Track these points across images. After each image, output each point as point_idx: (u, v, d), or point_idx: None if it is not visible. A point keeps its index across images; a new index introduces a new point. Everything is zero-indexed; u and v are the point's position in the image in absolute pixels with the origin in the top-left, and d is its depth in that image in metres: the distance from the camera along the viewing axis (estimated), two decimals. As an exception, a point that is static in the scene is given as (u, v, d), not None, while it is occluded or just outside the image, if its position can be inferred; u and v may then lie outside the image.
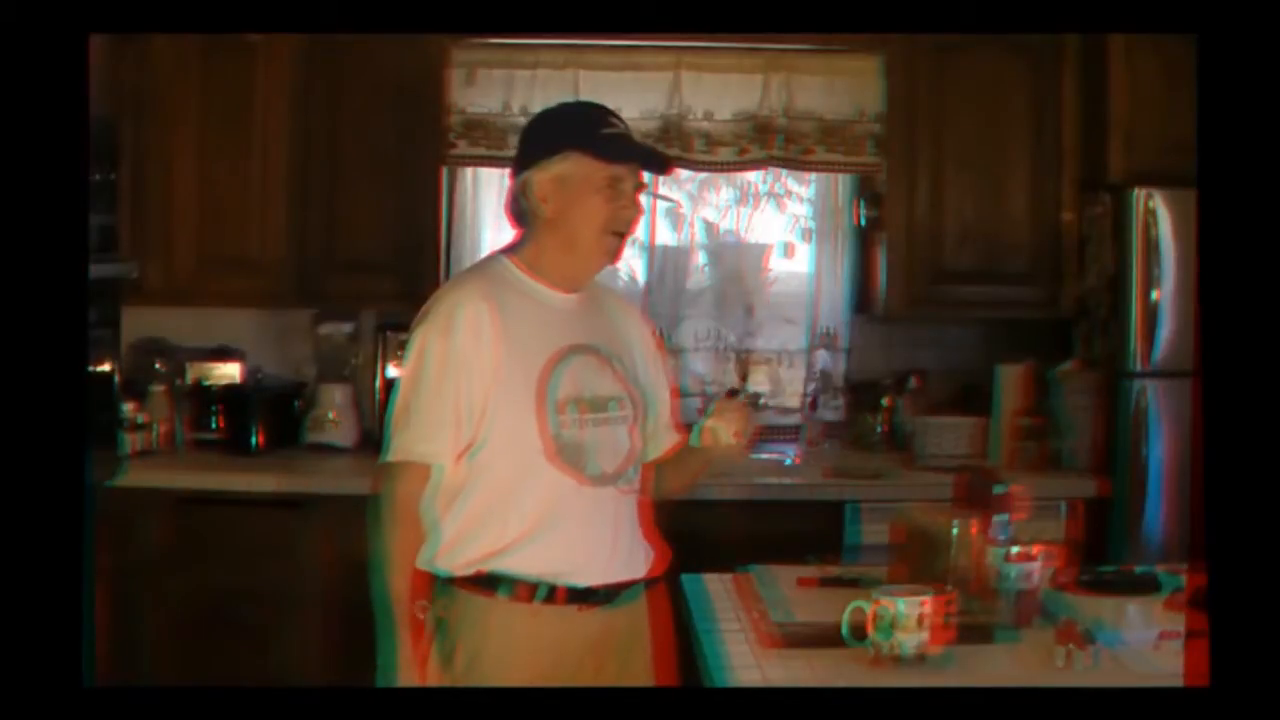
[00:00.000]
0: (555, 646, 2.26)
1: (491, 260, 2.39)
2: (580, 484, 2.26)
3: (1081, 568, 2.68)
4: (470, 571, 2.25)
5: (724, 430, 2.33)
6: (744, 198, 4.50)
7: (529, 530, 2.24)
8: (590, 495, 2.27)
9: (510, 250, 2.36)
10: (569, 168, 2.26)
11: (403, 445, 2.24)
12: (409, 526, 2.24)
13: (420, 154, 4.09)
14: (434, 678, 2.22)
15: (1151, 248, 3.77)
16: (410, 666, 2.19)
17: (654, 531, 2.41)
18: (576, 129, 2.30)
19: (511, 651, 2.24)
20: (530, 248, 2.33)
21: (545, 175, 2.28)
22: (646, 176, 2.36)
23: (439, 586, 2.28)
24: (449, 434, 2.22)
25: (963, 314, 4.33)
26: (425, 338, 2.24)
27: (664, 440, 2.49)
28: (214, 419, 4.17)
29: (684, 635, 2.49)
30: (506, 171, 4.09)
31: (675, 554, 2.47)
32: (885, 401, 4.33)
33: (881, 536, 2.94)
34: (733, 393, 2.51)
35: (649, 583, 2.39)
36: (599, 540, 2.28)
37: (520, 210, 2.34)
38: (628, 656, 2.35)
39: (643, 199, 2.36)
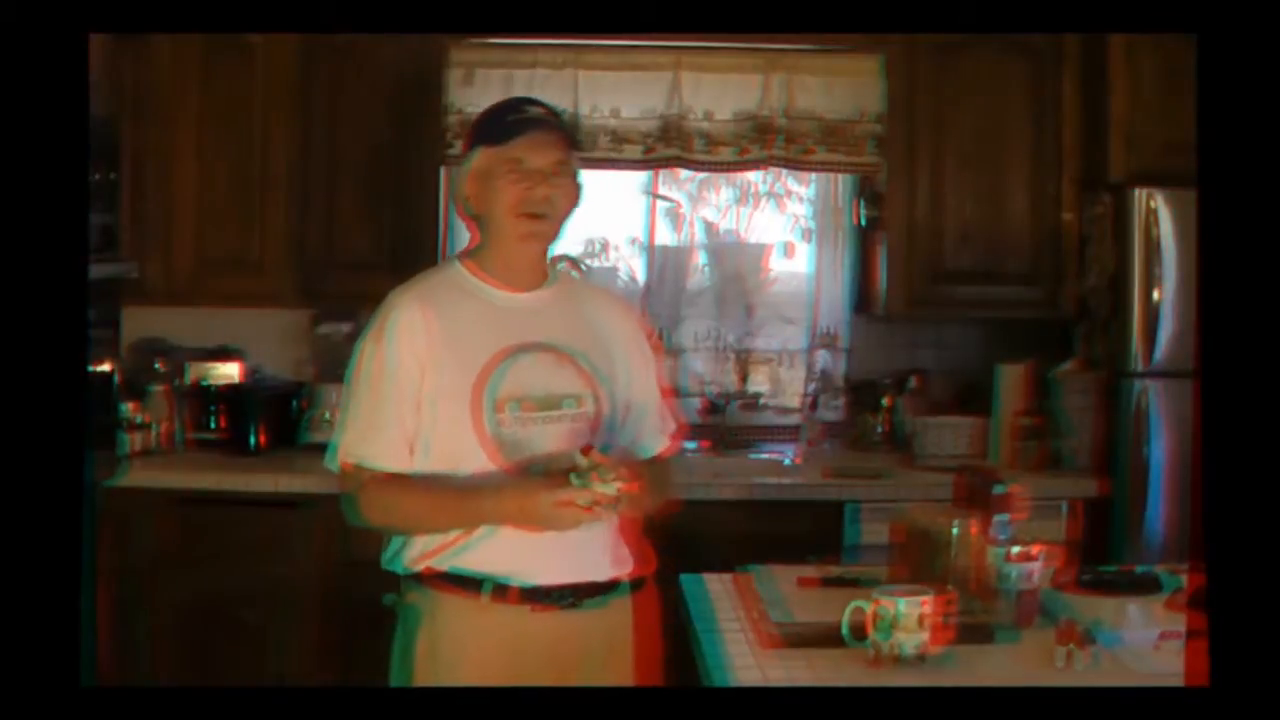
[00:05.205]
0: (508, 645, 2.23)
1: (446, 264, 2.45)
2: None
3: (1081, 568, 2.68)
4: (420, 568, 2.26)
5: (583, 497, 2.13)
6: (744, 198, 4.50)
7: (470, 529, 2.24)
8: None
9: (466, 253, 2.41)
10: (480, 162, 2.33)
11: (343, 448, 2.29)
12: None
13: (419, 154, 4.08)
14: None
15: (1152, 248, 3.77)
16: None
17: (636, 534, 2.36)
18: (483, 125, 2.39)
19: (463, 647, 2.23)
20: (479, 249, 2.39)
21: (464, 174, 2.36)
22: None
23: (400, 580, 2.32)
24: (385, 437, 2.26)
25: (963, 314, 4.33)
26: (363, 345, 2.31)
27: (651, 445, 2.44)
28: (214, 419, 4.17)
29: (684, 635, 2.47)
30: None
31: (676, 554, 2.46)
32: (885, 401, 4.33)
33: (881, 536, 2.94)
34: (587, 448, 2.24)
35: (633, 586, 2.34)
36: (550, 539, 2.18)
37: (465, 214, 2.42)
38: (601, 662, 2.30)
39: (565, 180, 2.32)
